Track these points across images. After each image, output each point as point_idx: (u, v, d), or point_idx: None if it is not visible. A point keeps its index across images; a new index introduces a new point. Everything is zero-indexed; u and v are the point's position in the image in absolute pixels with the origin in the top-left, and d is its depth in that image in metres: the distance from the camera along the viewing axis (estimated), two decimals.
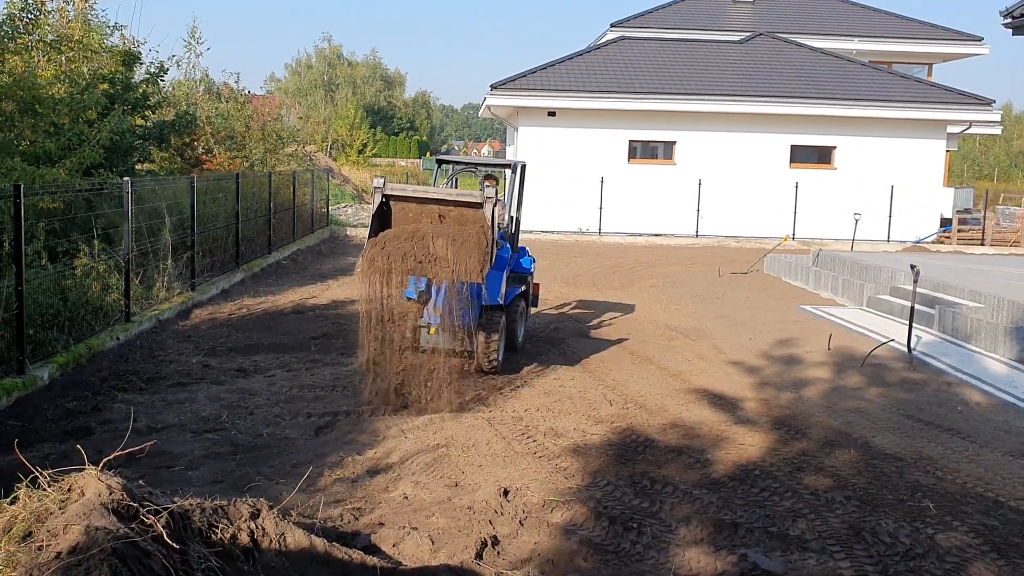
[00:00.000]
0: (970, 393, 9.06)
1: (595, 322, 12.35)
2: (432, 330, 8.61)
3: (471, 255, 7.60)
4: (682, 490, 6.04)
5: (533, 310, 11.42)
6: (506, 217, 9.72)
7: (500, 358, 8.95)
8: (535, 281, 10.79)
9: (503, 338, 9.05)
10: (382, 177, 8.12)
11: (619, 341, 11.09)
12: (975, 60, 37.18)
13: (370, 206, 8.33)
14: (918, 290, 11.36)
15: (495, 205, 7.79)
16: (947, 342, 11.51)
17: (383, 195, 8.04)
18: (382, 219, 8.14)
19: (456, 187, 11.15)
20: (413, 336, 8.79)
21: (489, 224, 7.78)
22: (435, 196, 8.19)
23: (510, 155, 31.52)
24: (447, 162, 10.99)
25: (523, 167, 10.37)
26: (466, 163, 11.66)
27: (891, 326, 12.44)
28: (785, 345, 11.15)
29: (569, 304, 13.79)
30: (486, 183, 9.67)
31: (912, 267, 10.99)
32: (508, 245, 9.54)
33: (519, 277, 10.08)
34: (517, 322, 9.92)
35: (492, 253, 7.77)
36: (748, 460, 6.72)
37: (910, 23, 33.78)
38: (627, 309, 13.49)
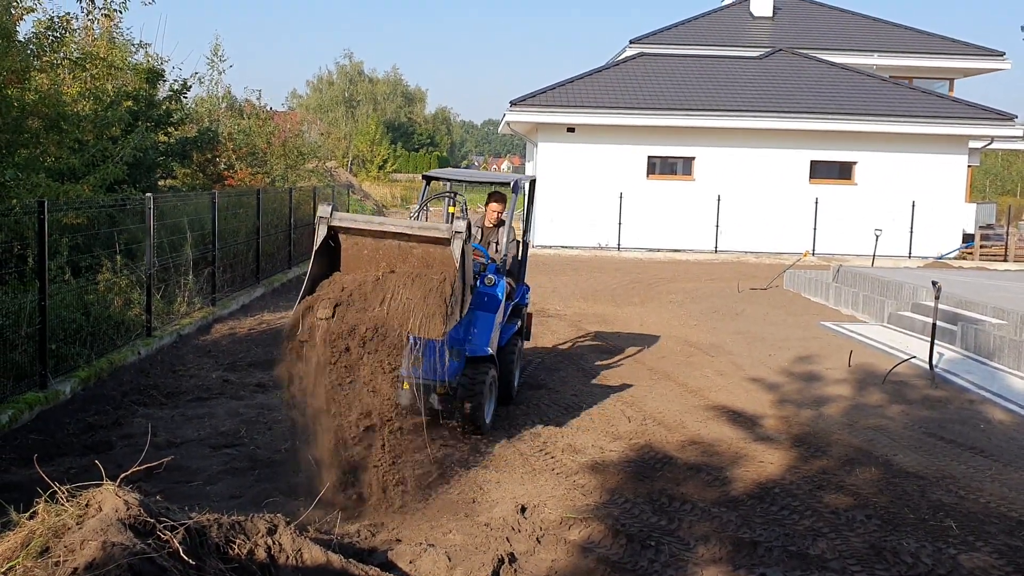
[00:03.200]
0: (993, 411, 8.95)
1: (613, 338, 12.31)
2: (406, 385, 6.68)
3: (429, 306, 6.00)
4: (701, 508, 6.00)
5: (526, 344, 9.77)
6: (503, 244, 8.37)
7: (489, 419, 7.49)
8: (528, 311, 9.40)
9: (493, 395, 7.66)
10: (329, 204, 6.56)
11: (637, 357, 11.05)
12: (997, 75, 36.96)
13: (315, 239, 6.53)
14: (940, 306, 11.26)
15: (466, 241, 6.30)
16: (970, 359, 11.39)
17: (329, 227, 6.50)
18: (330, 257, 6.66)
19: (455, 205, 9.06)
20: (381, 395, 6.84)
21: (457, 265, 6.26)
22: (393, 229, 6.57)
23: (529, 171, 31.57)
24: (436, 179, 9.26)
25: (531, 183, 9.07)
26: (458, 180, 9.73)
27: (913, 343, 12.32)
28: (805, 362, 11.07)
29: (587, 319, 13.76)
30: (491, 203, 8.77)
31: (934, 283, 10.89)
32: (502, 280, 7.80)
33: (516, 310, 8.72)
34: (513, 368, 8.34)
35: (463, 299, 6.31)
36: (768, 478, 6.67)
37: (931, 38, 33.61)
38: (646, 325, 13.44)
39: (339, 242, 6.66)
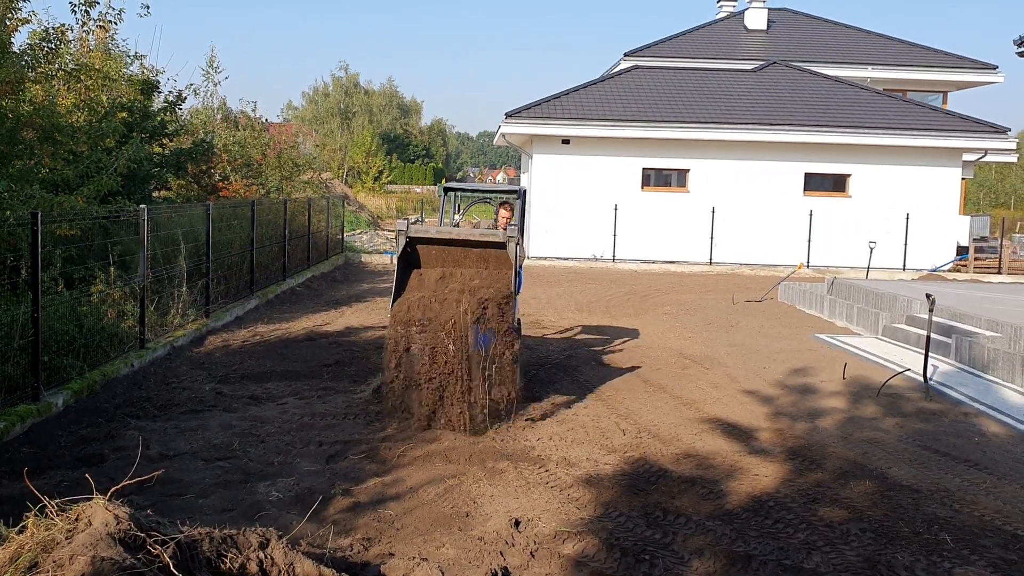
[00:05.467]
0: (988, 424, 8.95)
1: (608, 350, 12.31)
2: None
3: (501, 304, 7.83)
4: (695, 521, 5.98)
5: None
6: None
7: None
8: None
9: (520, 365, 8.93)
10: (406, 219, 8.26)
11: (632, 369, 11.04)
12: (990, 88, 37.15)
13: (394, 243, 8.49)
14: (934, 319, 11.28)
15: (518, 244, 7.99)
16: (964, 372, 11.40)
17: (408, 238, 8.16)
18: (407, 260, 8.37)
19: (462, 213, 11.53)
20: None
21: (513, 265, 7.98)
22: (460, 237, 8.34)
23: (524, 182, 31.63)
24: (455, 190, 11.27)
25: (523, 193, 10.68)
26: (474, 191, 11.94)
27: (907, 355, 12.33)
28: (800, 374, 11.07)
29: (582, 331, 13.75)
30: (501, 210, 10.03)
31: (928, 296, 10.90)
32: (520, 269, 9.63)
33: None
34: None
35: (517, 293, 7.95)
36: (762, 491, 6.65)
37: (924, 51, 33.79)
38: (641, 337, 13.44)
39: (414, 248, 8.34)
